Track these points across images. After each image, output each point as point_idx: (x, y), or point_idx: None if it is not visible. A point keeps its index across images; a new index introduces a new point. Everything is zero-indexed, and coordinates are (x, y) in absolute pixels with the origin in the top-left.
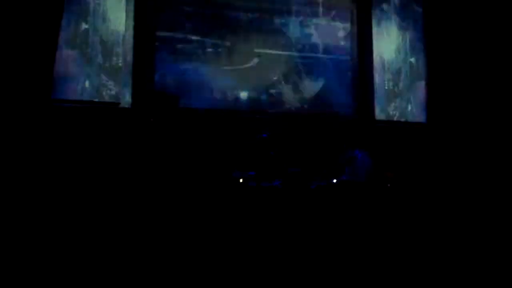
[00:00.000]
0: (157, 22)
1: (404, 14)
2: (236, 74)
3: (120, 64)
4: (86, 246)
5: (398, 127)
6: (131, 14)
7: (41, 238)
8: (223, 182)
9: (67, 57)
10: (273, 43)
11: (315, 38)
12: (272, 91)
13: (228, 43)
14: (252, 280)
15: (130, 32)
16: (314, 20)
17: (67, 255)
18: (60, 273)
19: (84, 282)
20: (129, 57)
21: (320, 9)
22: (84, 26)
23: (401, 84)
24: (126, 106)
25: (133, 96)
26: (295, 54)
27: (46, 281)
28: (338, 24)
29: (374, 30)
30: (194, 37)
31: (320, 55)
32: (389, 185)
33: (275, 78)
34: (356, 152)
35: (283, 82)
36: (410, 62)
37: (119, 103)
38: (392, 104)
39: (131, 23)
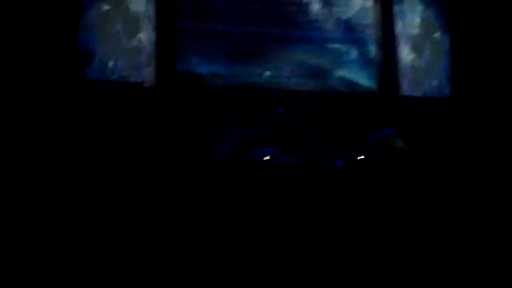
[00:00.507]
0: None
1: None
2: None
3: (143, 44)
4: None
5: (423, 102)
6: None
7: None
8: (240, 160)
9: (90, 38)
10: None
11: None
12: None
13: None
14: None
15: (152, 12)
16: None
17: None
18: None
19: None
20: (152, 37)
21: None
22: (105, 7)
23: (425, 59)
24: (150, 85)
25: (157, 75)
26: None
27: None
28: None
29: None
30: None
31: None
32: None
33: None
34: (381, 131)
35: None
36: (434, 38)
37: (142, 82)
38: (417, 79)
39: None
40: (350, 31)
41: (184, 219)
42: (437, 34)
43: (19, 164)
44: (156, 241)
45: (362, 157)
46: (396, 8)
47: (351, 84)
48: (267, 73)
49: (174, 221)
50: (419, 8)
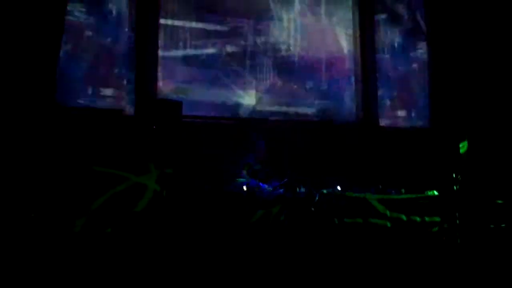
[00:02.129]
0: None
1: (407, 22)
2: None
3: (123, 72)
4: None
5: (402, 132)
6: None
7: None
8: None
9: (70, 63)
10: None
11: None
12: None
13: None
14: None
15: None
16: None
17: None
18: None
19: None
20: (132, 65)
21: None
22: (87, 33)
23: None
24: (129, 113)
25: (136, 103)
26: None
27: None
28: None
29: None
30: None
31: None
32: None
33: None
34: None
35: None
36: (413, 69)
37: (122, 110)
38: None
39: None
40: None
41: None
42: (415, 65)
43: None
44: None
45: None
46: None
47: (331, 114)
48: (247, 101)
49: None
50: (398, 40)
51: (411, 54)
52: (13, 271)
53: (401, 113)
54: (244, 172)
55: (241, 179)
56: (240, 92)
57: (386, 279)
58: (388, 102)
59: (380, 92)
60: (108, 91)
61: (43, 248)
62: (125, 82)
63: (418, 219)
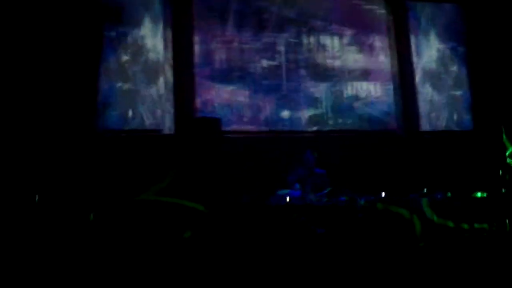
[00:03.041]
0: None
1: (444, 24)
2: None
3: (161, 92)
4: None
5: (444, 136)
6: (170, 44)
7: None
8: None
9: (109, 88)
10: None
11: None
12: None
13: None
14: None
15: (169, 61)
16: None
17: None
18: None
19: None
20: (170, 85)
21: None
22: (124, 57)
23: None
24: (169, 132)
25: (176, 122)
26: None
27: None
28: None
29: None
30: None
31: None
32: None
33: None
34: None
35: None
36: (452, 71)
37: (160, 130)
38: (437, 114)
39: (170, 53)
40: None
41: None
42: (455, 68)
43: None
44: None
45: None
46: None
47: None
48: (287, 114)
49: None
50: (436, 44)
51: (450, 55)
52: None
53: (443, 116)
54: (296, 184)
55: (283, 191)
56: (279, 104)
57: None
58: (428, 106)
59: (419, 97)
60: (146, 112)
61: None
62: (163, 101)
63: (466, 226)
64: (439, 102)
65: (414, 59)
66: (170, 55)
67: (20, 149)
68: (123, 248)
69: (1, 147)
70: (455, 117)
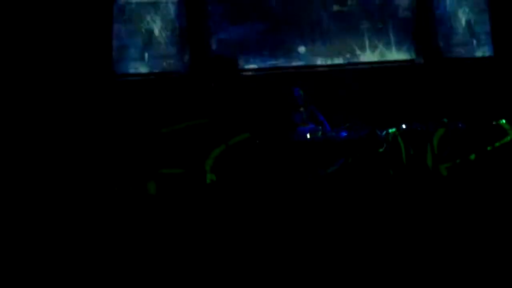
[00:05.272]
0: None
1: None
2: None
3: (175, 32)
4: None
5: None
6: None
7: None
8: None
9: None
10: None
11: None
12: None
13: None
14: None
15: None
16: None
17: None
18: None
19: None
20: (183, 24)
21: None
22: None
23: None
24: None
25: (191, 62)
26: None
27: None
28: None
29: None
30: None
31: None
32: None
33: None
34: None
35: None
36: None
37: (177, 71)
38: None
39: None
40: None
41: None
42: None
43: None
44: None
45: None
46: None
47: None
48: (302, 51)
49: None
50: None
51: None
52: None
53: (463, 42)
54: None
55: (303, 127)
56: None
57: None
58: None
59: (438, 24)
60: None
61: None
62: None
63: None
64: (458, 27)
65: None
66: None
67: (36, 99)
68: None
69: (19, 94)
70: (474, 42)
